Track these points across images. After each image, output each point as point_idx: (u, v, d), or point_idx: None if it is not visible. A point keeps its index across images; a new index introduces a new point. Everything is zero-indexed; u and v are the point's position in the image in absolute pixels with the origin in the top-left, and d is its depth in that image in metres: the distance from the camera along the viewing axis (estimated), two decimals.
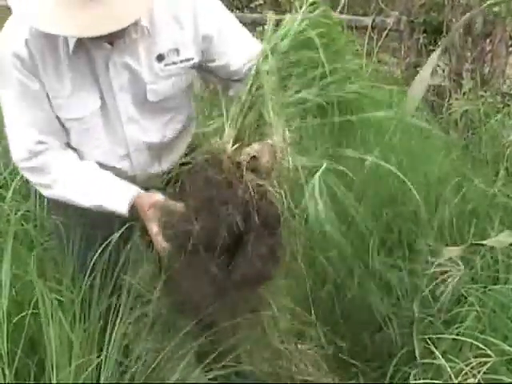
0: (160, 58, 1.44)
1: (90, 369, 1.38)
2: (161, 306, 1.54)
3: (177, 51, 1.45)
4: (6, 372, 1.38)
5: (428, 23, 3.96)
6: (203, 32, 1.45)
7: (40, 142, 1.43)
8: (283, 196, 1.24)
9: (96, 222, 1.47)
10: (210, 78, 1.61)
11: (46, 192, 1.49)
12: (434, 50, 4.02)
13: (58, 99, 1.42)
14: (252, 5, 6.09)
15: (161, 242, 1.30)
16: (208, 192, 1.22)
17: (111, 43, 1.37)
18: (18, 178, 2.32)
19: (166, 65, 1.45)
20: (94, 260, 1.47)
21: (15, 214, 1.97)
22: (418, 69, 4.00)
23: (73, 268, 1.56)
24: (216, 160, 1.26)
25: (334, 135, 1.43)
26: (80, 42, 1.35)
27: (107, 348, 1.43)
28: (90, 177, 1.46)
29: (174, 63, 1.46)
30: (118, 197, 1.42)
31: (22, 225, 2.02)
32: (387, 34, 3.76)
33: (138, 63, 1.42)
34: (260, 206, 1.22)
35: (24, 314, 1.47)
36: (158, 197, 1.36)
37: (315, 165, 1.24)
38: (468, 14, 2.82)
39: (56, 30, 1.27)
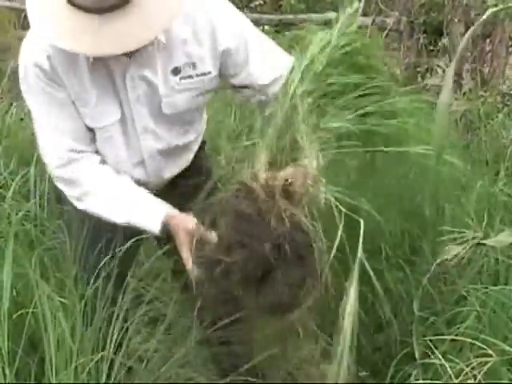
0: (175, 71, 1.43)
1: (87, 368, 1.38)
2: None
3: (193, 65, 1.44)
4: (7, 371, 1.38)
5: (428, 23, 3.97)
6: (222, 46, 1.44)
7: (73, 150, 1.43)
8: (316, 225, 1.21)
9: (100, 223, 1.47)
10: (247, 97, 1.58)
11: (76, 204, 1.48)
12: (433, 50, 4.04)
13: (84, 108, 1.42)
14: (252, 5, 6.11)
15: (191, 268, 1.28)
16: (240, 227, 1.19)
17: (129, 55, 1.37)
18: (18, 178, 2.33)
19: (181, 78, 1.44)
20: (95, 259, 1.48)
21: (16, 214, 1.97)
22: (417, 69, 4.01)
23: (76, 268, 1.56)
24: (248, 190, 1.21)
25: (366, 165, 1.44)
26: None
27: (109, 347, 1.43)
28: (123, 193, 1.45)
29: (190, 77, 1.45)
30: (150, 215, 1.41)
31: (23, 225, 2.02)
32: (387, 34, 3.76)
33: (155, 76, 1.42)
34: (293, 237, 1.18)
35: (24, 313, 1.47)
36: (192, 222, 1.31)
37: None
38: (476, 25, 2.82)
39: (74, 46, 1.27)
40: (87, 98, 1.40)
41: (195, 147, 1.67)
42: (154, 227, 1.39)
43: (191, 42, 1.42)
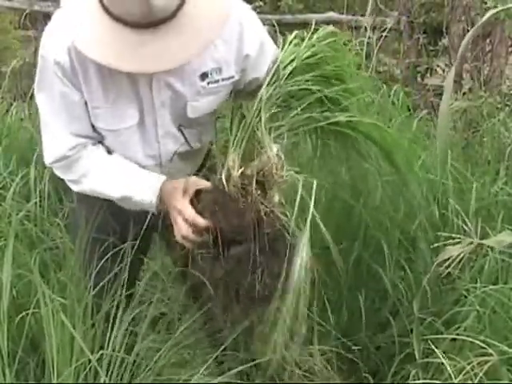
0: (203, 76, 1.42)
1: (88, 366, 1.38)
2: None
3: (219, 70, 1.43)
4: (7, 372, 1.39)
5: (428, 23, 3.97)
6: (245, 52, 1.44)
7: (75, 147, 1.43)
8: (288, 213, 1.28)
9: (104, 221, 1.49)
10: None
11: (75, 187, 1.49)
12: (433, 50, 4.04)
13: (97, 109, 1.40)
14: (252, 5, 6.11)
15: (181, 237, 1.32)
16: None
17: None
18: (18, 178, 2.33)
19: (208, 83, 1.44)
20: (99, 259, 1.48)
21: (16, 214, 1.97)
22: (417, 69, 4.01)
23: (77, 268, 1.56)
24: (223, 192, 1.30)
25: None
26: None
27: (107, 346, 1.43)
28: (118, 169, 1.45)
29: (217, 81, 1.44)
30: (146, 186, 1.41)
31: (23, 225, 2.02)
32: (387, 35, 3.76)
33: (181, 82, 1.41)
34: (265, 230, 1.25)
35: (25, 314, 1.48)
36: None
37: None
38: (476, 26, 2.82)
39: (117, 64, 1.24)
40: (101, 98, 1.38)
41: (205, 149, 1.66)
42: (150, 197, 1.39)
43: (220, 44, 1.40)
